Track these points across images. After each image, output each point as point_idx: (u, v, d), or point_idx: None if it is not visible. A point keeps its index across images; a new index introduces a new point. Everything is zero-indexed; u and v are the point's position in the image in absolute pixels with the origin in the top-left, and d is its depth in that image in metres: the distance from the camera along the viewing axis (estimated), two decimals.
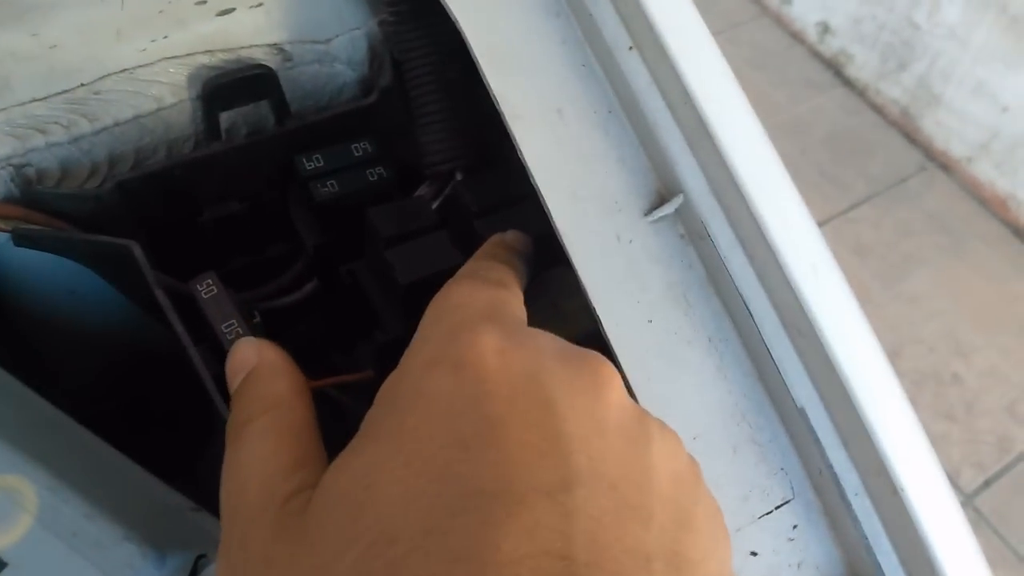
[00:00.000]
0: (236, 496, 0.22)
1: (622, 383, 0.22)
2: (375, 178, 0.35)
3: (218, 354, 0.32)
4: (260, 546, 0.21)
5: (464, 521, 0.19)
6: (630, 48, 0.27)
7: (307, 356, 0.40)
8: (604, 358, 0.22)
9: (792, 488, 0.26)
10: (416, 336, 0.23)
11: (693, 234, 0.27)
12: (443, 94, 0.35)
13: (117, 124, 0.33)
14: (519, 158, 0.36)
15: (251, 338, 0.26)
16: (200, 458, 0.44)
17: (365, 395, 0.34)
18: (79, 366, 0.43)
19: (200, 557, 0.28)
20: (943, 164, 1.58)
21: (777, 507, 0.26)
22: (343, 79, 0.37)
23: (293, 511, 0.21)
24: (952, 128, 1.54)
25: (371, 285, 0.34)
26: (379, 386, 0.34)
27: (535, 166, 0.27)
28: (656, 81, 0.27)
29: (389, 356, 0.33)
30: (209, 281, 0.31)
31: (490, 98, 0.38)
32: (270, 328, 0.34)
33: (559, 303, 0.32)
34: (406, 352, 0.23)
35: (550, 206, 0.27)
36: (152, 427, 0.46)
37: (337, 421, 0.36)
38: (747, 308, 0.26)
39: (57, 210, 0.33)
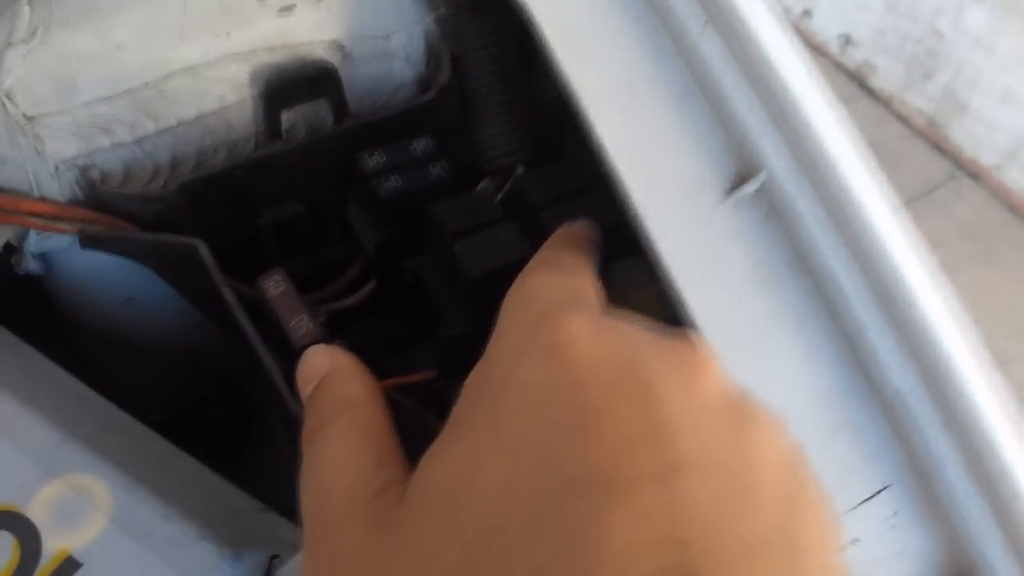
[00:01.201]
0: (320, 498, 0.22)
1: (721, 365, 0.21)
2: (437, 174, 0.35)
3: (285, 354, 0.32)
4: (352, 543, 0.20)
5: (572, 508, 0.18)
6: (705, 24, 0.27)
7: (363, 362, 0.40)
8: (700, 340, 0.22)
9: (891, 473, 0.25)
10: (497, 327, 0.23)
11: (777, 213, 0.27)
12: (503, 87, 0.35)
13: (180, 124, 0.33)
14: (581, 149, 0.36)
15: (322, 345, 0.25)
16: (256, 458, 0.44)
17: (426, 396, 0.34)
18: (135, 375, 0.42)
19: (274, 557, 0.27)
20: (972, 172, 1.56)
21: (877, 493, 0.25)
22: (400, 77, 0.37)
23: (385, 506, 0.21)
24: (980, 136, 1.53)
25: (435, 281, 0.33)
26: (440, 387, 0.34)
27: (610, 148, 0.27)
28: (734, 57, 0.27)
29: (455, 352, 0.33)
30: (278, 277, 0.31)
31: (549, 89, 0.38)
32: (328, 331, 0.34)
33: (628, 294, 0.31)
34: (489, 344, 0.22)
35: (628, 188, 0.26)
36: (209, 437, 0.46)
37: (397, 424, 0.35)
38: (840, 288, 0.25)
39: (122, 212, 0.33)
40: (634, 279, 0.32)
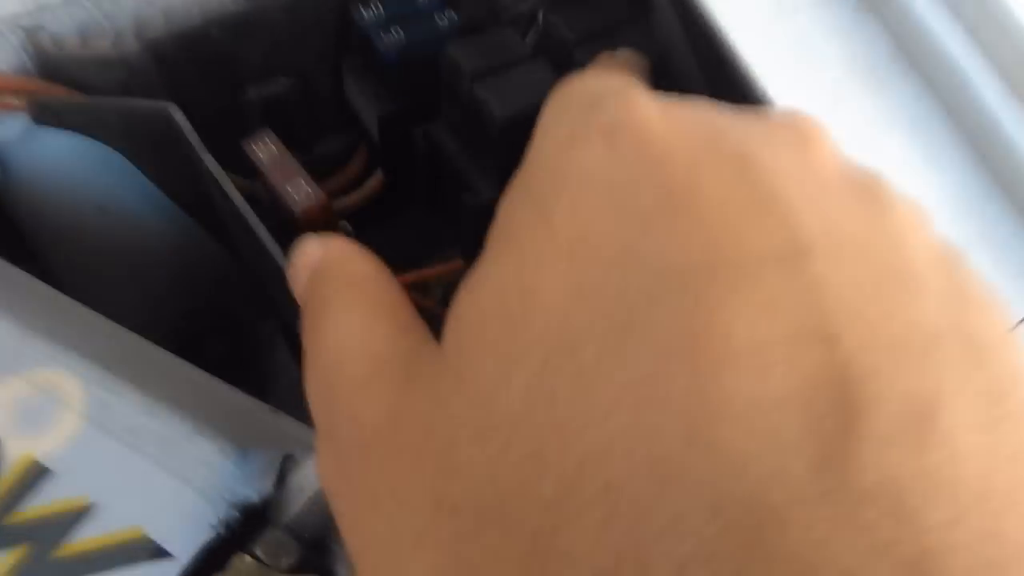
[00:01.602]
0: (331, 372, 0.17)
1: (836, 143, 0.17)
2: (446, 23, 0.30)
3: (284, 238, 0.27)
4: (382, 406, 0.16)
5: (671, 306, 0.13)
6: None
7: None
8: (805, 114, 0.17)
9: None
10: (540, 125, 0.18)
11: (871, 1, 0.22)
12: None
13: None
14: None
15: (311, 235, 0.20)
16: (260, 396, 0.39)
17: (452, 294, 0.29)
18: (113, 308, 0.38)
19: (287, 457, 0.23)
20: None
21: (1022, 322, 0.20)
22: None
23: (420, 359, 0.16)
24: None
25: (454, 143, 0.28)
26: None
27: None
28: None
29: (483, 227, 0.28)
30: (267, 139, 0.26)
31: None
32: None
33: None
34: (532, 143, 0.18)
35: None
36: (207, 368, 0.41)
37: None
38: (961, 77, 0.20)
39: (80, 82, 0.28)
40: None
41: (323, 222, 0.26)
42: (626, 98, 0.16)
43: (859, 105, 0.21)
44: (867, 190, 0.16)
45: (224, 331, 0.42)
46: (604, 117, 0.16)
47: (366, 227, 0.38)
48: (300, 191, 0.25)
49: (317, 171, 0.35)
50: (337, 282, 0.19)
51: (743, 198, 0.14)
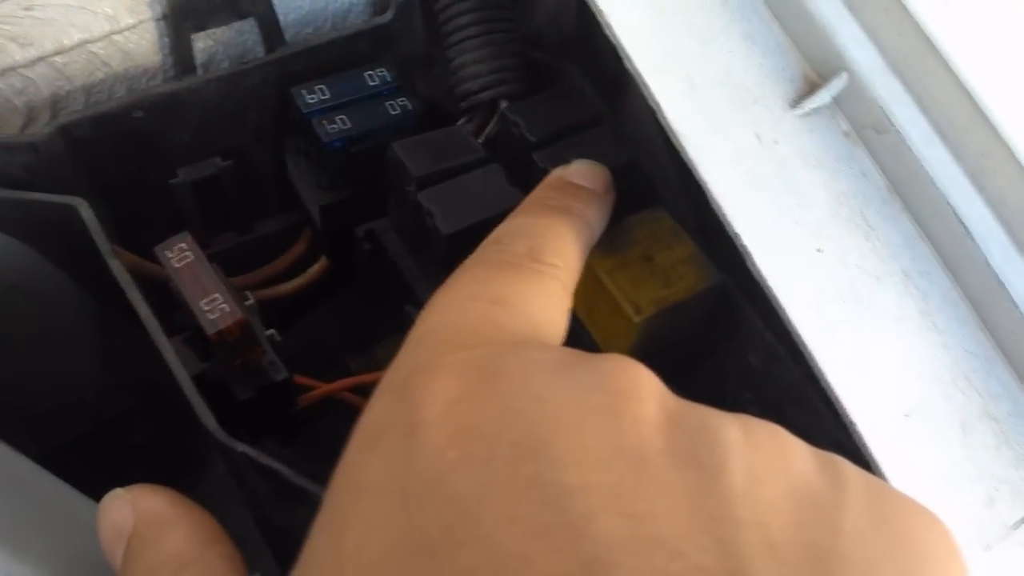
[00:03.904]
0: None
1: (660, 385, 0.14)
2: (397, 112, 0.27)
3: (202, 346, 0.24)
4: None
5: None
6: None
7: (316, 359, 0.32)
8: (624, 358, 0.14)
9: None
10: (377, 386, 0.15)
11: (864, 128, 0.19)
12: (480, 2, 0.27)
13: (59, 52, 0.25)
14: (580, 80, 0.29)
15: (118, 491, 0.18)
16: (193, 488, 0.36)
17: None
18: (30, 384, 0.34)
19: None
20: None
21: None
22: None
23: None
24: None
25: (398, 248, 0.26)
26: None
27: (631, 45, 0.19)
28: None
29: None
30: (183, 245, 0.23)
31: (540, 6, 0.30)
32: (267, 323, 0.26)
33: (653, 256, 0.24)
34: (359, 419, 0.15)
35: (658, 98, 0.19)
36: (132, 461, 0.38)
37: None
38: (962, 225, 0.18)
39: None
40: (660, 235, 0.24)
41: (242, 339, 0.23)
42: (432, 382, 0.14)
43: (845, 251, 0.19)
44: (698, 442, 0.13)
45: (151, 414, 0.39)
46: (405, 410, 0.14)
47: (309, 308, 0.35)
48: (215, 308, 0.22)
49: (258, 253, 0.32)
50: (156, 571, 0.17)
51: (533, 509, 0.12)
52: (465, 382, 0.14)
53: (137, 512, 0.18)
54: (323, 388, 0.27)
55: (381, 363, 0.33)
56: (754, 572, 0.12)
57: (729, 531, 0.12)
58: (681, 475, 0.12)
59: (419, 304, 0.25)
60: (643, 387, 0.14)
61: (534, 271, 0.17)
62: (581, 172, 0.22)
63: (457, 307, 0.16)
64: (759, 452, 0.13)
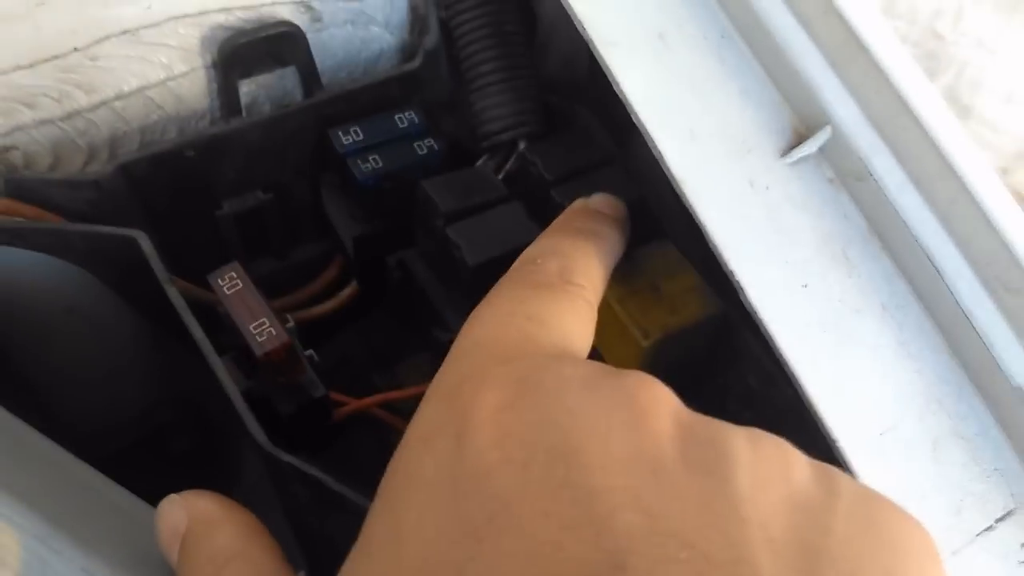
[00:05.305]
0: None
1: (676, 401, 0.16)
2: (424, 152, 0.29)
3: (247, 365, 0.26)
4: None
5: None
6: None
7: (344, 376, 0.34)
8: (645, 375, 0.16)
9: (1013, 495, 0.20)
10: (427, 391, 0.18)
11: (846, 176, 0.22)
12: (501, 51, 0.30)
13: (119, 97, 0.28)
14: (594, 122, 0.31)
15: (173, 496, 0.21)
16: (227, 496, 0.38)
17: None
18: (82, 401, 0.37)
19: None
20: None
21: (998, 520, 0.19)
22: (380, 44, 0.32)
23: None
24: (986, 139, 1.49)
25: (427, 277, 0.28)
26: None
27: (638, 100, 0.22)
28: None
29: None
30: (233, 274, 0.25)
31: (554, 54, 0.33)
32: (302, 342, 0.28)
33: (660, 285, 0.26)
34: (413, 417, 0.17)
35: (662, 148, 0.21)
36: (171, 469, 0.40)
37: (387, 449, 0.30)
38: (932, 264, 0.20)
39: (49, 201, 0.27)
40: (666, 266, 0.27)
41: (286, 361, 0.25)
42: (480, 392, 0.16)
43: (829, 287, 0.21)
44: (709, 452, 0.15)
45: (189, 426, 0.41)
46: (455, 416, 0.16)
47: (338, 328, 0.37)
48: (263, 332, 0.24)
49: (294, 277, 0.35)
50: (207, 564, 0.19)
51: (565, 506, 0.14)
52: (507, 393, 0.16)
53: (189, 513, 0.20)
54: (354, 404, 0.30)
55: (404, 379, 0.36)
56: (754, 562, 0.13)
57: (734, 528, 0.14)
58: (693, 480, 0.14)
59: (445, 327, 0.28)
60: (661, 403, 0.16)
61: (565, 291, 0.19)
62: (602, 202, 0.24)
63: (497, 322, 0.18)
64: (763, 462, 0.15)
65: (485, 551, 0.14)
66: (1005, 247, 0.19)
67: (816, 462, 0.16)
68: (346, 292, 0.34)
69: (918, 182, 0.21)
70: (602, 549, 0.13)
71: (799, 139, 0.22)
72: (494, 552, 0.14)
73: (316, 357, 0.28)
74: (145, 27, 0.28)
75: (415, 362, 0.36)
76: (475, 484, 0.14)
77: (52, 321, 0.33)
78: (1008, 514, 0.19)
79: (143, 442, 0.39)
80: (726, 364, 0.27)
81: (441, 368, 0.18)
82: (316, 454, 0.33)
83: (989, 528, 0.19)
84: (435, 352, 0.28)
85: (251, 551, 0.19)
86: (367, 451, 0.34)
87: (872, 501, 0.16)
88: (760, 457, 0.15)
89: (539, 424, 0.15)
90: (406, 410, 0.33)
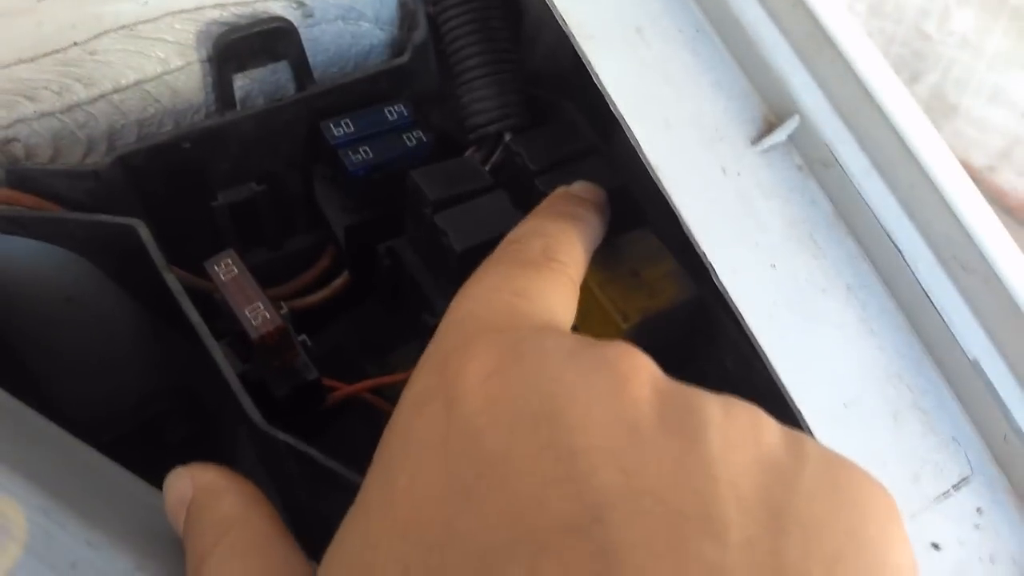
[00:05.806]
0: None
1: (655, 369, 0.17)
2: (413, 144, 0.30)
3: (243, 349, 0.27)
4: None
5: None
6: None
7: (337, 363, 0.35)
8: (626, 344, 0.17)
9: (969, 462, 0.21)
10: (420, 361, 0.19)
11: (814, 163, 0.23)
12: (487, 46, 0.31)
13: (117, 90, 0.29)
14: (578, 115, 0.32)
15: (179, 468, 0.22)
16: None
17: None
18: (80, 388, 0.38)
19: None
20: None
21: (955, 486, 0.20)
22: (370, 40, 0.33)
23: None
24: (971, 138, 1.51)
25: (416, 264, 0.29)
26: None
27: (615, 91, 0.23)
28: None
29: None
30: (229, 260, 0.26)
31: (539, 49, 0.34)
32: (296, 330, 0.29)
33: (640, 271, 0.27)
34: (404, 388, 0.18)
35: (638, 136, 0.22)
36: (167, 458, 0.41)
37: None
38: (894, 245, 0.21)
39: (49, 191, 0.28)
40: (646, 253, 0.28)
41: (280, 344, 0.26)
42: (468, 360, 0.17)
43: (796, 268, 0.22)
44: (684, 416, 0.16)
45: (185, 413, 0.42)
46: (446, 382, 0.17)
47: (331, 317, 0.38)
48: (258, 316, 0.25)
49: (287, 267, 0.36)
50: (211, 531, 0.20)
51: (548, 465, 0.15)
52: (495, 361, 0.17)
53: (195, 483, 0.21)
54: (346, 389, 0.31)
55: (395, 367, 0.36)
56: (723, 518, 0.14)
57: (705, 485, 0.15)
58: (668, 441, 0.15)
59: (434, 312, 0.29)
60: (641, 370, 0.17)
61: (549, 268, 0.20)
62: (583, 189, 0.25)
63: (485, 297, 0.19)
64: (735, 425, 0.16)
65: (473, 507, 0.15)
66: (962, 229, 0.20)
67: (786, 428, 0.17)
68: (338, 281, 0.35)
69: (881, 168, 0.22)
70: (582, 503, 0.14)
71: (769, 128, 0.23)
72: (482, 507, 0.15)
73: (309, 342, 0.29)
74: (142, 22, 0.29)
75: (407, 351, 0.37)
76: (464, 446, 0.15)
77: (51, 309, 0.34)
78: (963, 481, 0.20)
79: (140, 430, 0.40)
80: (704, 347, 0.28)
81: (432, 339, 0.19)
82: (310, 439, 0.34)
83: (945, 493, 0.20)
84: (425, 338, 0.29)
85: (252, 518, 0.20)
86: (360, 437, 0.35)
87: (838, 465, 0.17)
88: (732, 421, 0.16)
89: (525, 390, 0.16)
90: (397, 396, 0.35)
